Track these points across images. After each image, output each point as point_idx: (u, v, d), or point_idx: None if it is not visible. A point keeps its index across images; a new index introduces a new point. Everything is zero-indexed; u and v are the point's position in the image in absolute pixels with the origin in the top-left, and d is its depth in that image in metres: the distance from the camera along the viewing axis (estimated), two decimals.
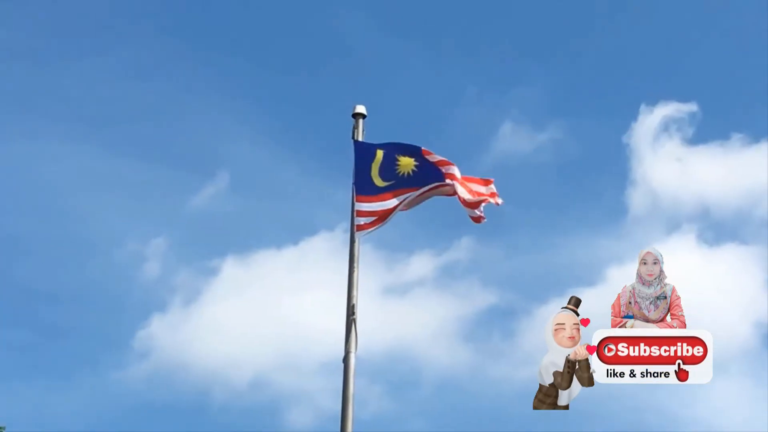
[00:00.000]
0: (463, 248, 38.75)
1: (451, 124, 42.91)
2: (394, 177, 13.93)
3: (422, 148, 13.93)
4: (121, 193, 41.52)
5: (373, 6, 45.08)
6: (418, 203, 14.07)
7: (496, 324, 36.75)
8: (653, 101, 41.21)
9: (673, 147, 40.26)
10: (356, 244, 13.81)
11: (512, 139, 41.17)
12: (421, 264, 38.18)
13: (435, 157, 13.85)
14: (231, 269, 38.43)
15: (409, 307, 37.08)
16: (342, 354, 13.29)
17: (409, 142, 14.08)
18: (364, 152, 14.06)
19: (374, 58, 44.86)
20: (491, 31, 45.83)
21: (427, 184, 13.90)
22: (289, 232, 39.86)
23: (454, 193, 13.79)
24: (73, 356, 35.96)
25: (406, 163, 13.92)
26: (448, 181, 13.77)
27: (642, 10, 44.90)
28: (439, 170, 13.82)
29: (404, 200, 13.84)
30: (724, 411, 31.81)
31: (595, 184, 42.48)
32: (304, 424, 32.25)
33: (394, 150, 13.96)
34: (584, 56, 45.43)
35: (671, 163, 40.38)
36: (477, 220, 13.85)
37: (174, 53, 44.82)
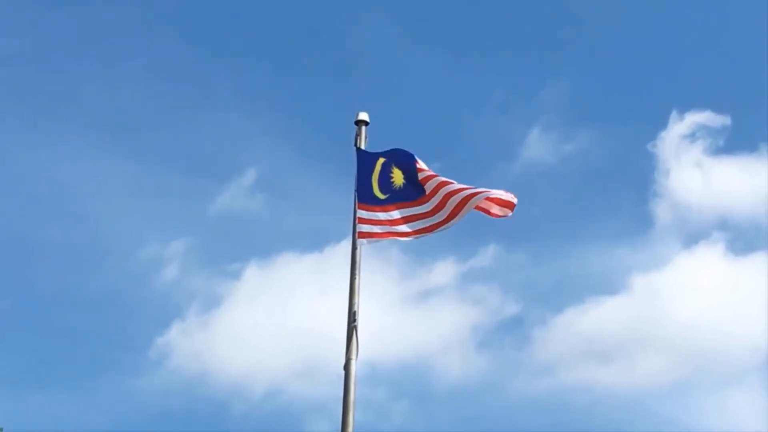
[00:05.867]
0: (489, 256, 38.57)
1: (478, 130, 42.81)
2: (390, 190, 13.93)
3: (417, 160, 13.84)
4: (142, 197, 41.59)
5: (396, 12, 45.05)
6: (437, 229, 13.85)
7: (513, 333, 36.59)
8: (685, 108, 40.82)
9: (699, 156, 39.90)
10: (358, 251, 13.78)
11: (539, 147, 41.00)
12: (444, 270, 38.02)
13: (424, 173, 13.72)
14: (253, 274, 38.25)
15: (430, 314, 36.95)
16: (344, 361, 13.26)
17: (406, 148, 14.05)
18: (365, 161, 14.10)
19: (400, 65, 44.84)
20: (518, 34, 45.68)
21: (413, 199, 13.78)
22: (315, 238, 39.71)
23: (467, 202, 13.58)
24: (89, 363, 35.81)
25: (398, 175, 13.91)
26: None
27: (679, 13, 44.61)
28: (422, 187, 13.73)
29: (415, 227, 13.73)
30: (737, 423, 31.52)
31: (621, 193, 42.24)
32: None
33: (392, 159, 13.95)
34: (618, 59, 45.16)
35: (698, 172, 40.03)
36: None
37: (194, 60, 44.99)
